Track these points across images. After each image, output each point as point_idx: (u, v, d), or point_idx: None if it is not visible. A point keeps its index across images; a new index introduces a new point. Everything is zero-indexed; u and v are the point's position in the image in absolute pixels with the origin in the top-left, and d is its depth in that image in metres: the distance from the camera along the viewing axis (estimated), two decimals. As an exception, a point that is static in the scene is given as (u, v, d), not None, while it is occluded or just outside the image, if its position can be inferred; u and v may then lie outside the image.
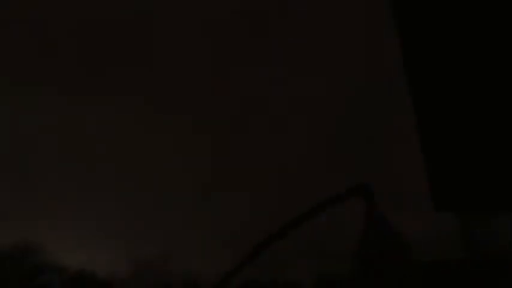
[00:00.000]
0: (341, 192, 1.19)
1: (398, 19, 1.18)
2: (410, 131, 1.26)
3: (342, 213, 1.26)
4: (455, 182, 1.15)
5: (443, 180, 1.14)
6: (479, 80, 1.08)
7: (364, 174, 1.28)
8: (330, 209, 1.22)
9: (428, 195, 1.16)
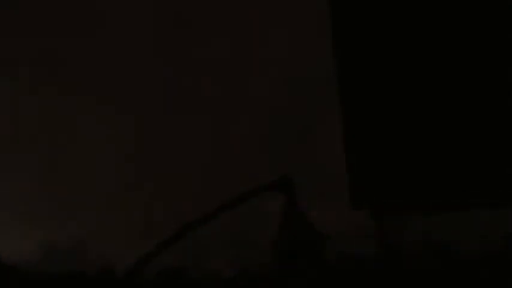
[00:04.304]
0: (263, 184, 1.21)
1: (334, 20, 1.22)
2: (336, 130, 1.30)
3: (266, 205, 1.28)
4: (373, 183, 1.22)
5: (362, 180, 1.20)
6: (406, 83, 1.16)
7: (287, 167, 1.33)
8: (253, 200, 1.24)
9: (347, 193, 1.22)
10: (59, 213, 1.52)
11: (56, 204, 1.53)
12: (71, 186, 1.53)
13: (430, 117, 1.13)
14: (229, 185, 1.40)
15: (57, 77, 1.51)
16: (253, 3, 1.51)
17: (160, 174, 1.54)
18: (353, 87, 1.17)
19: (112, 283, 1.10)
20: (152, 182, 1.54)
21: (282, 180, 1.16)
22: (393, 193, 1.14)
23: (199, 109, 1.52)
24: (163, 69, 1.53)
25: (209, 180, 1.50)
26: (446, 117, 1.13)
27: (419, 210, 1.14)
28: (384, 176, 1.14)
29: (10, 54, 1.51)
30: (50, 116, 1.52)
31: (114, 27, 1.53)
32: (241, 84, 1.50)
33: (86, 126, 1.53)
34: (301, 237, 1.13)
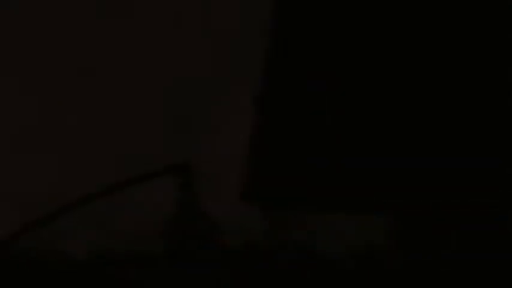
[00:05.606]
0: (158, 169, 1.15)
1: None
2: (243, 121, 1.27)
3: (158, 190, 1.22)
4: (265, 176, 1.19)
5: (255, 172, 1.18)
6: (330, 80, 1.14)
7: (184, 152, 1.28)
8: (145, 185, 1.18)
9: (241, 183, 1.18)
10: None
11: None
12: None
13: (339, 121, 1.11)
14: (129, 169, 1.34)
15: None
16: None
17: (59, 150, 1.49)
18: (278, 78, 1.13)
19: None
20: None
21: (177, 165, 1.11)
22: (283, 190, 1.12)
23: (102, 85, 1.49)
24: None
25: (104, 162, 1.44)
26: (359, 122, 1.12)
27: (302, 209, 1.13)
28: (279, 172, 1.12)
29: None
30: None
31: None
32: (146, 63, 1.48)
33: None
34: (193, 224, 1.09)
